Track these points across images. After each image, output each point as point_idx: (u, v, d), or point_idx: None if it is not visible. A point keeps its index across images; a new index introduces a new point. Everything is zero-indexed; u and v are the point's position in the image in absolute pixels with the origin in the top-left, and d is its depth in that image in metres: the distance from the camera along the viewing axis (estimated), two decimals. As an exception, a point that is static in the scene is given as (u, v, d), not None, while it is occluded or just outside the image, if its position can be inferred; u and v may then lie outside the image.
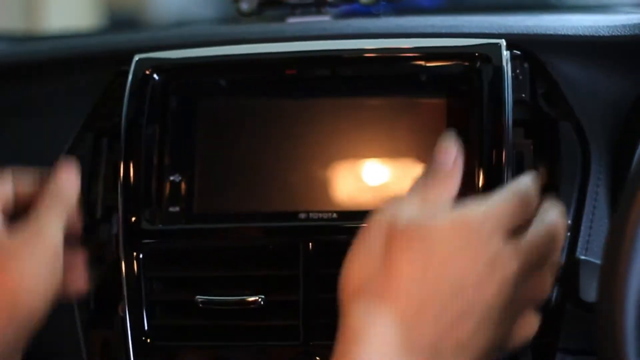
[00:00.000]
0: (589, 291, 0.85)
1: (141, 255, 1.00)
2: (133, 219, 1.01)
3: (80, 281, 0.95)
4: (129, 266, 1.00)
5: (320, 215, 0.98)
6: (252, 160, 1.02)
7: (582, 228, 0.97)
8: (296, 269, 0.97)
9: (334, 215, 0.98)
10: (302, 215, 0.99)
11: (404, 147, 1.01)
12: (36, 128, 1.11)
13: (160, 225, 1.01)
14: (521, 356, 0.95)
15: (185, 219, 1.02)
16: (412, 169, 0.99)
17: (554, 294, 0.95)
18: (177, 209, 1.02)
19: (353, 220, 0.98)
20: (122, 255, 1.00)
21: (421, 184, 0.83)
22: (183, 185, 1.02)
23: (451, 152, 0.85)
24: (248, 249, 1.00)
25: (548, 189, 0.99)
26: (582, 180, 0.98)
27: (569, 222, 0.97)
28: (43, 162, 1.07)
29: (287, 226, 0.99)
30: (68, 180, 0.95)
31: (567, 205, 0.97)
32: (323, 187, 1.00)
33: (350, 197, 1.00)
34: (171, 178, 1.03)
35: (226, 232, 1.01)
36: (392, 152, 1.01)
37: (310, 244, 0.97)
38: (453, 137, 0.87)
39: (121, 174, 1.02)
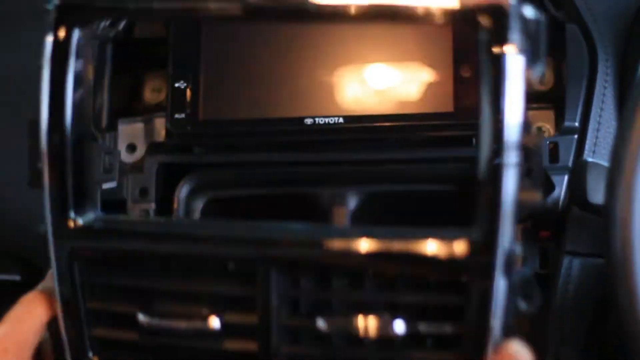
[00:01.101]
0: (597, 194, 0.85)
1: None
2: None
3: None
4: None
5: (327, 120, 0.98)
6: (257, 66, 1.01)
7: (590, 130, 0.96)
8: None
9: (340, 120, 0.98)
10: (309, 121, 0.98)
11: (408, 50, 1.00)
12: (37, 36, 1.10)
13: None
14: (529, 260, 0.96)
15: (191, 125, 1.01)
16: (416, 71, 0.99)
17: (561, 197, 0.95)
18: (182, 115, 1.01)
19: (358, 123, 0.98)
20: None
21: None
22: (188, 92, 1.02)
23: None
24: None
25: (555, 92, 0.99)
26: (589, 83, 0.98)
27: (577, 124, 0.97)
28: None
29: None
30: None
31: (574, 108, 0.97)
32: (329, 93, 1.00)
33: (355, 102, 1.00)
34: (176, 85, 1.02)
35: None
36: (395, 56, 1.00)
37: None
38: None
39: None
